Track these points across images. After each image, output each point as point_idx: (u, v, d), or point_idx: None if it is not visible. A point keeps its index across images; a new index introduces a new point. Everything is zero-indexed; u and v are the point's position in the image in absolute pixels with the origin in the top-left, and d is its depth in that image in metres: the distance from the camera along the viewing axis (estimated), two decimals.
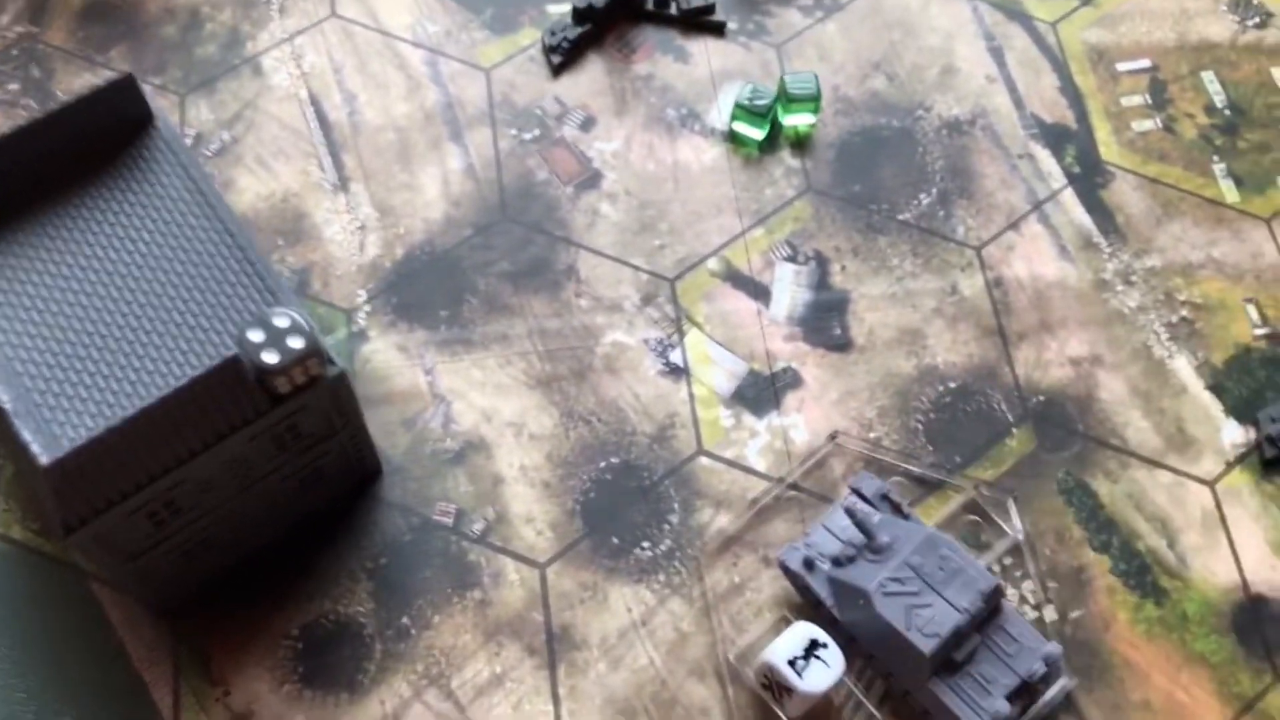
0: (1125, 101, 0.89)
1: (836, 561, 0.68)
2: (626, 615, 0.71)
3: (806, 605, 0.71)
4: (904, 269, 0.82)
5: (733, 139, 0.86)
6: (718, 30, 0.90)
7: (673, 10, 0.90)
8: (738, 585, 0.72)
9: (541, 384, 0.78)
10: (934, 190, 0.85)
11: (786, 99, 0.85)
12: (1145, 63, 0.91)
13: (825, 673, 0.65)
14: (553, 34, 0.88)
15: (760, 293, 0.81)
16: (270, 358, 0.59)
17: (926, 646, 0.63)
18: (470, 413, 0.77)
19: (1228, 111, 0.89)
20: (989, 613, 0.67)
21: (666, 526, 0.74)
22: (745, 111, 0.84)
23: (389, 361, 0.78)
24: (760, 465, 0.76)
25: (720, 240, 0.83)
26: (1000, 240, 0.83)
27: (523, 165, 0.85)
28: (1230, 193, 0.86)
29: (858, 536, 0.69)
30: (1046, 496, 0.75)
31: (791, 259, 0.83)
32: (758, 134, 0.85)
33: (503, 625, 0.71)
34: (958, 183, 0.85)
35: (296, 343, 0.59)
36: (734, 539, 0.74)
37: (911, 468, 0.76)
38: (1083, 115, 0.88)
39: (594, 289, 0.81)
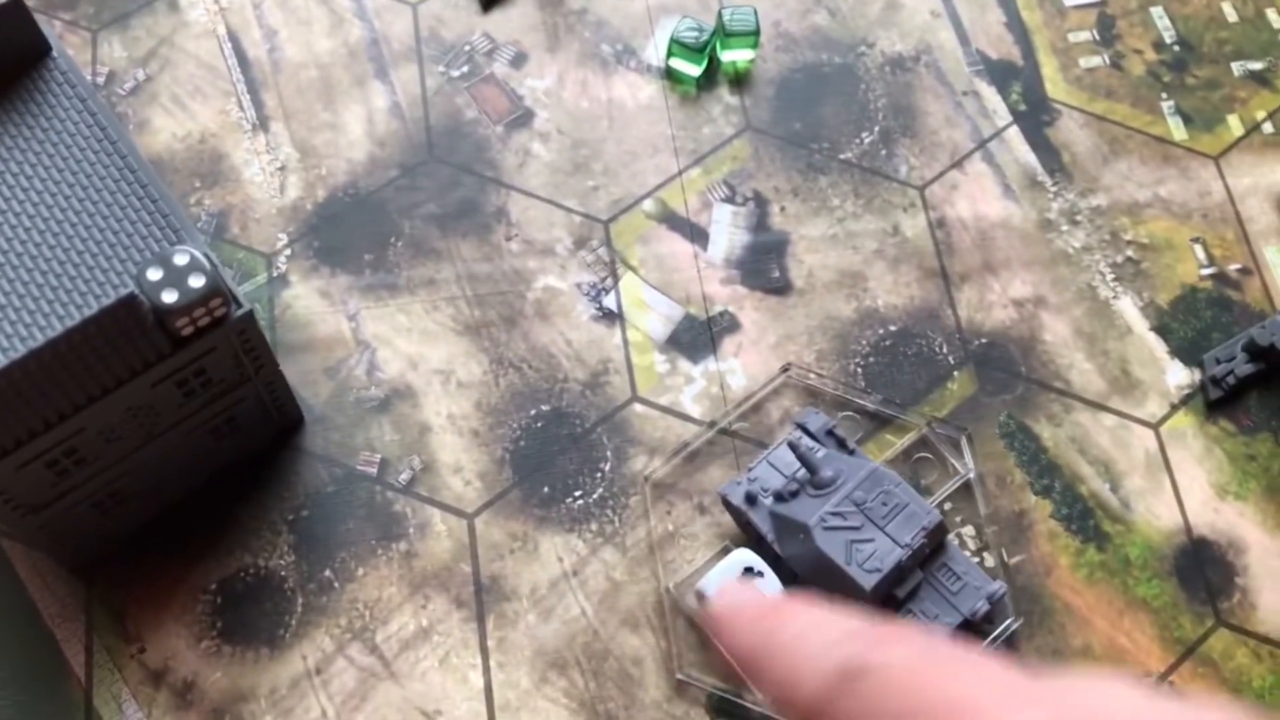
0: (1073, 37, 0.87)
1: (779, 496, 0.66)
2: (558, 565, 0.69)
3: (749, 541, 0.69)
4: (845, 210, 0.80)
5: (669, 76, 0.84)
6: None
7: None
8: (671, 533, 0.70)
9: (470, 330, 0.75)
10: (876, 129, 0.83)
11: (725, 34, 0.82)
12: None
13: None
14: None
15: (697, 235, 0.79)
16: (169, 297, 0.56)
17: (867, 582, 0.62)
18: (396, 360, 0.74)
19: (1177, 47, 0.87)
20: (932, 550, 0.65)
21: (599, 474, 0.72)
22: (682, 47, 0.81)
23: (311, 307, 0.75)
24: (695, 411, 0.73)
25: (656, 181, 0.80)
26: (944, 179, 0.81)
27: (451, 104, 0.82)
28: (1178, 130, 0.84)
29: (802, 471, 0.66)
30: (988, 440, 0.73)
31: (730, 200, 0.80)
32: (695, 70, 0.83)
33: (429, 577, 0.69)
34: (900, 121, 0.83)
35: (197, 281, 0.56)
36: (668, 486, 0.71)
37: (864, 403, 0.74)
38: (1029, 51, 0.86)
39: (525, 232, 0.78)
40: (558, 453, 0.72)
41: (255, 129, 0.80)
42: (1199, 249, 0.80)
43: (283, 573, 0.69)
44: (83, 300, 0.59)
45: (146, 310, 0.56)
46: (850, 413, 0.74)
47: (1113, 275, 0.79)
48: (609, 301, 0.77)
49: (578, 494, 0.71)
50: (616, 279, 0.77)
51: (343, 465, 0.71)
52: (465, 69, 0.83)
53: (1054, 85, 0.85)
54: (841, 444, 0.70)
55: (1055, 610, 0.69)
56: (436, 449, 0.72)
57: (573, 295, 0.77)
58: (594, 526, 0.70)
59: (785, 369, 0.74)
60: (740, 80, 0.84)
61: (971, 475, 0.72)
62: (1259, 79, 0.86)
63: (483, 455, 0.72)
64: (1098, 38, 0.87)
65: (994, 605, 0.65)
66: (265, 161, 0.79)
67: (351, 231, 0.77)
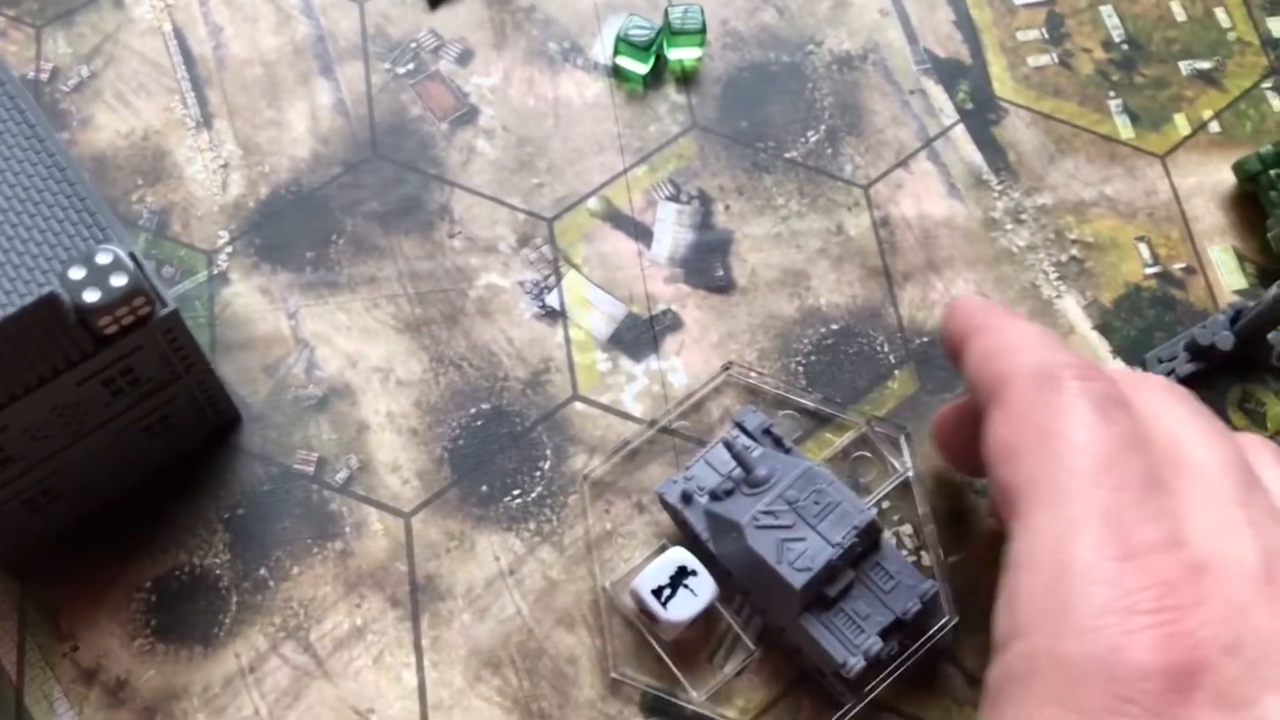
0: (1021, 36, 0.87)
1: (714, 495, 0.66)
2: (494, 564, 0.69)
3: (685, 539, 0.69)
4: (789, 209, 0.80)
5: (616, 74, 0.83)
6: None
7: None
8: (609, 531, 0.70)
9: (411, 328, 0.75)
10: (822, 128, 0.83)
11: (671, 32, 0.82)
12: None
13: (691, 602, 0.64)
14: None
15: (641, 233, 0.79)
16: (91, 296, 0.56)
17: (797, 581, 0.62)
18: (335, 358, 0.74)
19: (1125, 46, 0.87)
20: (866, 549, 0.65)
21: (538, 473, 0.72)
22: (628, 45, 0.81)
23: (251, 305, 0.75)
24: (637, 410, 0.73)
25: (601, 179, 0.80)
26: (889, 178, 0.81)
27: (396, 101, 0.82)
28: (1125, 129, 0.84)
29: (737, 470, 0.67)
30: (927, 439, 0.73)
31: (674, 198, 0.80)
32: (641, 68, 0.82)
33: (365, 576, 0.69)
34: (847, 120, 0.83)
35: (120, 280, 0.56)
36: (607, 484, 0.71)
37: (804, 401, 0.74)
38: (977, 50, 0.86)
39: (468, 229, 0.78)
40: (497, 451, 0.72)
41: (199, 126, 0.80)
42: (1144, 248, 0.80)
43: (218, 571, 0.69)
44: (5, 299, 0.58)
45: (68, 309, 0.56)
46: (790, 411, 0.74)
47: (1056, 274, 0.79)
48: (551, 300, 0.76)
49: (516, 493, 0.71)
50: (559, 277, 0.77)
51: (279, 464, 0.71)
52: (411, 66, 0.83)
53: (1001, 84, 0.85)
54: (778, 443, 0.70)
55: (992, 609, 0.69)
56: (374, 448, 0.72)
57: (515, 293, 0.76)
58: (532, 525, 0.70)
59: (726, 367, 0.74)
60: (687, 78, 0.84)
61: (910, 474, 0.72)
62: (1206, 78, 0.86)
63: (421, 454, 0.72)
64: (1046, 36, 0.87)
65: (926, 604, 0.65)
66: (208, 159, 0.79)
67: (293, 229, 0.77)
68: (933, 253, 0.79)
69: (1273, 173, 0.79)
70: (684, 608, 0.64)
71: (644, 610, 0.66)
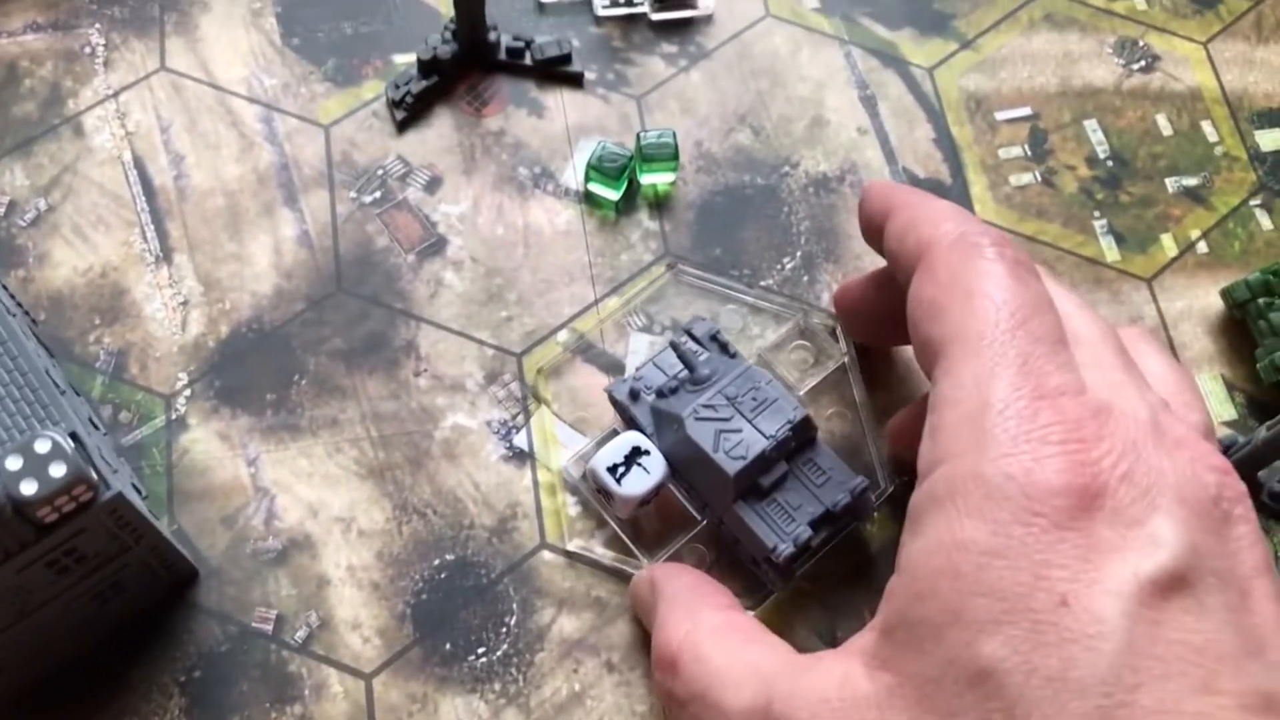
0: (1003, 153, 0.85)
1: (660, 393, 0.70)
2: None
3: None
4: (765, 339, 0.78)
5: (588, 200, 0.81)
6: (575, 81, 0.85)
7: (527, 60, 0.84)
8: (578, 693, 0.68)
9: (374, 473, 0.73)
10: (798, 254, 0.81)
11: (643, 157, 0.80)
12: (1025, 110, 0.87)
13: (644, 478, 0.68)
14: (396, 87, 0.83)
15: (613, 367, 0.77)
16: (28, 488, 0.54)
17: (731, 468, 0.65)
18: (296, 507, 0.72)
19: (1110, 162, 0.85)
20: (799, 444, 0.69)
21: (504, 630, 0.69)
22: (599, 172, 0.79)
23: (209, 452, 0.73)
24: (607, 558, 0.71)
25: (572, 310, 0.78)
26: None
27: (362, 231, 0.80)
28: (1110, 250, 0.82)
29: (684, 371, 0.71)
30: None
31: (646, 329, 0.78)
32: (613, 194, 0.81)
33: None
34: (823, 245, 0.81)
35: (59, 470, 0.54)
36: (575, 642, 0.69)
37: (745, 296, 0.77)
38: (958, 169, 0.84)
39: (435, 366, 0.76)
40: (461, 606, 0.70)
41: (158, 261, 0.78)
42: None
43: None
44: None
45: (4, 504, 0.54)
46: (732, 306, 0.78)
47: None
48: (520, 440, 0.74)
49: (481, 651, 0.69)
50: (528, 416, 0.75)
51: (237, 622, 0.69)
52: (378, 194, 0.81)
53: (983, 205, 0.83)
54: (724, 348, 0.73)
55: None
56: (335, 604, 0.70)
57: (482, 434, 0.74)
58: (497, 686, 0.68)
59: (670, 266, 0.78)
60: (660, 203, 0.82)
61: (847, 359, 0.76)
62: (1194, 195, 0.84)
63: (383, 610, 0.70)
64: (1029, 153, 0.85)
65: (856, 498, 0.68)
66: (167, 296, 0.77)
67: (254, 370, 0.75)
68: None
69: (1261, 301, 0.77)
70: (638, 483, 0.68)
71: (600, 488, 0.69)
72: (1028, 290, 0.52)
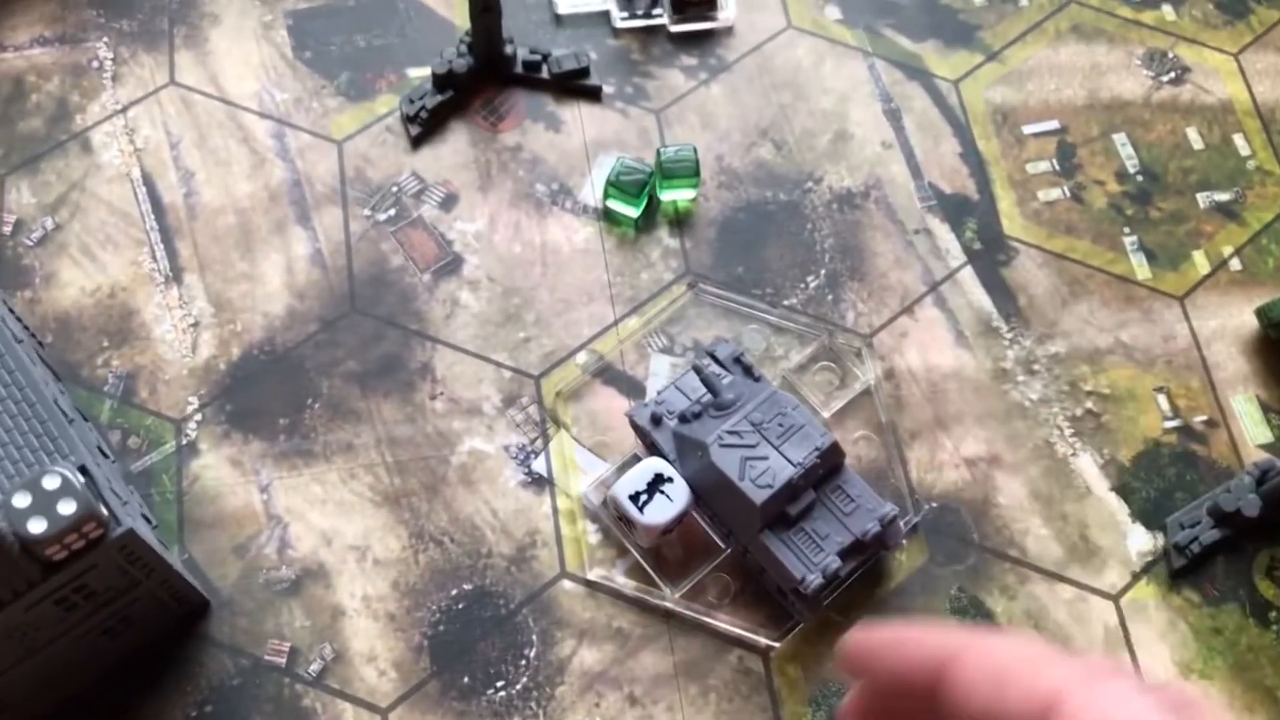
0: (1031, 168, 0.83)
1: (683, 418, 0.69)
2: None
3: None
4: (789, 360, 0.76)
5: (607, 217, 0.80)
6: (593, 95, 0.83)
7: (544, 74, 0.83)
8: None
9: (389, 500, 0.71)
10: (822, 272, 0.79)
11: (663, 173, 0.78)
12: (1053, 124, 0.85)
13: (667, 507, 0.66)
14: (411, 101, 0.81)
15: (633, 389, 0.75)
16: (37, 527, 0.52)
17: (758, 497, 0.64)
18: (309, 535, 0.70)
19: (1140, 177, 0.83)
20: (827, 471, 0.67)
21: (523, 662, 0.68)
22: (617, 189, 0.78)
23: (220, 479, 0.71)
24: (629, 587, 0.69)
25: (591, 331, 0.76)
26: (893, 326, 0.77)
27: (376, 250, 0.78)
28: (1141, 268, 0.80)
29: (706, 395, 0.70)
30: (938, 615, 0.69)
31: (667, 350, 0.76)
32: (632, 212, 0.79)
33: None
34: (848, 263, 0.79)
35: (68, 508, 0.52)
36: (597, 674, 0.67)
37: (768, 316, 0.76)
38: (985, 184, 0.82)
39: (451, 389, 0.74)
40: (479, 638, 0.68)
41: (168, 281, 0.76)
42: (1163, 399, 0.76)
43: None
44: None
45: (10, 542, 0.52)
46: (756, 325, 0.76)
47: (1071, 430, 0.75)
48: (538, 465, 0.73)
49: (500, 684, 0.67)
50: (547, 440, 0.73)
51: (249, 655, 0.67)
52: (392, 212, 0.79)
53: (1010, 221, 0.81)
54: (748, 371, 0.71)
55: None
56: (350, 636, 0.68)
57: (500, 459, 0.72)
58: None
59: (691, 285, 0.77)
60: (681, 220, 0.80)
61: (871, 382, 0.74)
62: (1225, 211, 0.82)
63: (399, 642, 0.68)
64: (1057, 168, 0.83)
65: (885, 527, 0.67)
66: (177, 317, 0.75)
67: (266, 393, 0.73)
68: (941, 408, 0.75)
69: None
70: (661, 512, 0.66)
71: (621, 516, 0.67)
72: None
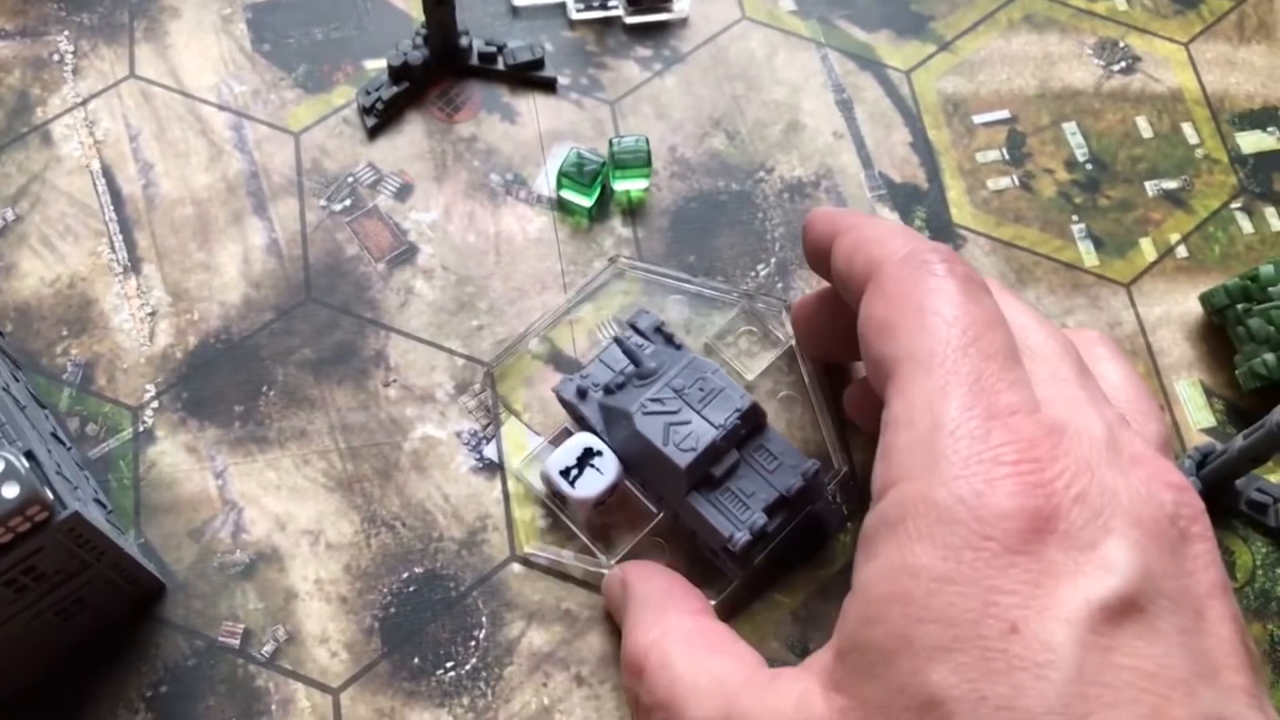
0: (980, 157, 0.84)
1: (607, 389, 0.71)
2: None
3: None
4: (739, 347, 0.77)
5: (560, 206, 0.81)
6: (548, 86, 0.84)
7: (499, 65, 0.84)
8: (547, 707, 0.67)
9: (342, 486, 0.72)
10: (773, 260, 0.80)
11: (615, 164, 0.79)
12: (1004, 114, 0.86)
13: (597, 479, 0.68)
14: (367, 93, 0.82)
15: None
16: None
17: (682, 460, 0.66)
18: (263, 520, 0.71)
19: (1089, 165, 0.84)
20: (749, 431, 0.69)
21: (473, 643, 0.69)
22: (570, 179, 0.79)
23: (177, 464, 0.72)
24: (577, 570, 0.71)
25: (543, 319, 0.77)
26: None
27: (332, 240, 0.79)
28: (1089, 256, 0.81)
29: (630, 367, 0.71)
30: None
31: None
32: (586, 201, 0.80)
33: None
34: (798, 251, 0.80)
35: (11, 491, 0.53)
36: (545, 655, 0.69)
37: (689, 286, 0.77)
38: (935, 173, 0.83)
39: (404, 377, 0.75)
40: (430, 619, 0.69)
41: (126, 271, 0.77)
42: None
43: None
44: None
45: None
46: (678, 296, 0.77)
47: None
48: (490, 451, 0.74)
49: (449, 665, 0.68)
50: (498, 426, 0.74)
51: (204, 637, 0.68)
52: (348, 202, 0.80)
53: (959, 210, 0.82)
54: (669, 340, 0.73)
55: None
56: (302, 617, 0.69)
57: (452, 445, 0.74)
58: (465, 700, 0.67)
59: (612, 259, 0.77)
60: (634, 210, 0.81)
61: (792, 343, 0.76)
62: (1173, 199, 0.83)
63: (350, 624, 0.69)
64: (1007, 157, 0.84)
65: (809, 482, 0.68)
66: (135, 307, 0.76)
67: (222, 381, 0.75)
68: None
69: (1240, 307, 0.76)
70: (591, 485, 0.68)
71: (555, 492, 0.70)
72: (979, 306, 0.51)
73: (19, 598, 0.60)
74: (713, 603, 0.68)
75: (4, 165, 0.80)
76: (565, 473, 0.69)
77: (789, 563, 0.71)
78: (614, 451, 0.69)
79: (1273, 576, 0.72)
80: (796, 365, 0.75)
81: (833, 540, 0.72)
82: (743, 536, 0.66)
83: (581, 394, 0.71)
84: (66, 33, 0.85)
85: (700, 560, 0.70)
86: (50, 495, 0.56)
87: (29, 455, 0.56)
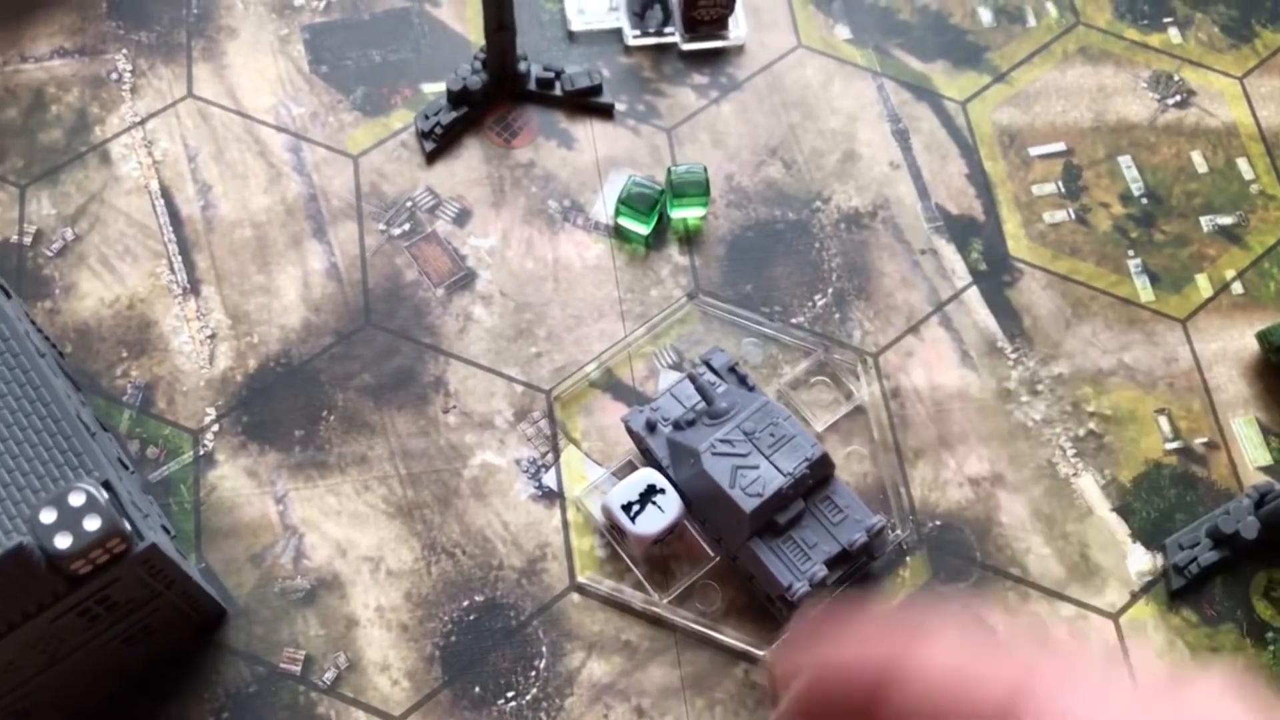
0: (1037, 190, 0.84)
1: (677, 425, 0.71)
2: None
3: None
4: (796, 378, 0.77)
5: (618, 234, 0.81)
6: (605, 112, 0.85)
7: (557, 91, 0.84)
8: None
9: (402, 512, 0.72)
10: (830, 291, 0.80)
11: (673, 192, 0.79)
12: (1059, 146, 0.86)
13: (658, 517, 0.68)
14: (426, 117, 0.82)
15: (642, 405, 0.76)
16: (63, 542, 0.53)
17: (748, 505, 0.66)
18: (324, 545, 0.71)
19: (1144, 200, 0.84)
20: (817, 482, 0.69)
21: (533, 673, 0.69)
22: (628, 207, 0.79)
23: (237, 489, 0.72)
24: (636, 601, 0.71)
25: (601, 346, 0.78)
26: (899, 346, 0.78)
27: (391, 264, 0.79)
28: (1145, 291, 0.81)
29: (701, 404, 0.71)
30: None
31: (677, 367, 0.77)
32: (643, 229, 0.80)
33: None
34: (855, 282, 0.80)
35: (93, 524, 0.53)
36: (605, 686, 0.69)
37: (764, 328, 0.77)
38: (991, 205, 0.83)
39: (464, 403, 0.75)
40: (490, 649, 0.69)
41: (186, 293, 0.77)
42: (1164, 421, 0.77)
43: None
44: None
45: (37, 559, 0.53)
46: (753, 339, 0.78)
47: (1073, 450, 0.76)
48: (549, 479, 0.74)
49: (510, 694, 0.68)
50: (558, 454, 0.75)
51: (265, 663, 0.68)
52: (406, 226, 0.80)
53: (1016, 242, 0.82)
54: (742, 381, 0.73)
55: None
56: (363, 645, 0.69)
57: (511, 472, 0.74)
58: None
59: (690, 296, 0.78)
60: (690, 238, 0.81)
61: (865, 400, 0.76)
62: (1229, 235, 0.83)
63: (411, 652, 0.69)
64: (1063, 190, 0.84)
65: (872, 538, 0.68)
66: (195, 329, 0.76)
67: (282, 405, 0.75)
68: (945, 427, 0.76)
69: None
70: (653, 522, 0.68)
71: (614, 525, 0.70)
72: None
73: (91, 626, 0.60)
74: (770, 649, 0.68)
75: (63, 184, 0.80)
76: (627, 507, 0.69)
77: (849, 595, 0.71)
78: (677, 488, 0.69)
79: None
80: (868, 422, 0.75)
81: (893, 575, 0.72)
82: (802, 587, 0.66)
83: (650, 427, 0.71)
84: (125, 51, 0.85)
85: (755, 604, 0.70)
86: (129, 527, 0.56)
87: (106, 486, 0.56)
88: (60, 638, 0.59)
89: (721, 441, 0.68)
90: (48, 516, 0.53)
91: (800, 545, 0.67)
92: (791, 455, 0.67)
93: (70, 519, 0.54)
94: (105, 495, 0.55)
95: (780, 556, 0.67)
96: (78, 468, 0.58)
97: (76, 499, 0.54)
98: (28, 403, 0.58)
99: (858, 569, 0.70)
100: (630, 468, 0.71)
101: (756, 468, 0.67)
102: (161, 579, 0.61)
